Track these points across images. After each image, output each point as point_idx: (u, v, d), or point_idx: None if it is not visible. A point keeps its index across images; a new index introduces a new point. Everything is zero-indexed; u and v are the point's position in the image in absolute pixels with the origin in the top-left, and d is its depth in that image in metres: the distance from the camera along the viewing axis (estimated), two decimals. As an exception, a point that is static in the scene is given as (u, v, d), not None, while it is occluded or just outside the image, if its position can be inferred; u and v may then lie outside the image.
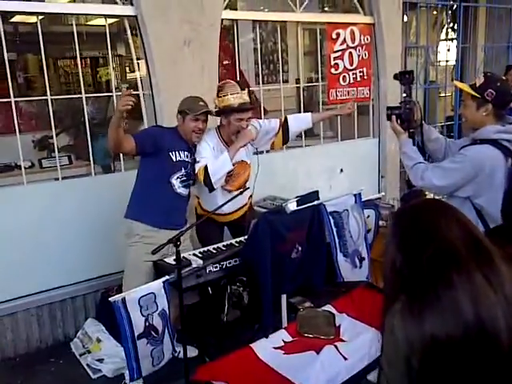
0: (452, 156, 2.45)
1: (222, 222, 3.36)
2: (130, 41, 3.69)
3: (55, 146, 3.65)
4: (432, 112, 6.26)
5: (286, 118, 3.39)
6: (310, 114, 3.55)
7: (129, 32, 3.65)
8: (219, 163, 2.98)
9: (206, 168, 2.96)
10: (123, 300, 2.37)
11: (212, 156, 3.04)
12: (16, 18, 5.64)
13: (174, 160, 2.96)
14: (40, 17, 5.92)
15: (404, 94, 2.60)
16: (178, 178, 2.98)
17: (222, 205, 2.94)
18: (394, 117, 2.58)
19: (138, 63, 3.86)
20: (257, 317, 2.92)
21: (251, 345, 2.62)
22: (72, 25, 3.40)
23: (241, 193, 3.02)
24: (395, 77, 2.67)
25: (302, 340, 2.69)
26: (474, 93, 2.32)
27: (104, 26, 3.52)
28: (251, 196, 3.46)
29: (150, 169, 2.98)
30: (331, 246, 3.12)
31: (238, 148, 3.04)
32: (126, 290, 2.57)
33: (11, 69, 5.87)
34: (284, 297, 3.06)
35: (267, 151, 4.41)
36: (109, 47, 3.56)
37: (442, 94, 6.52)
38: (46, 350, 3.49)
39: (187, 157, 3.04)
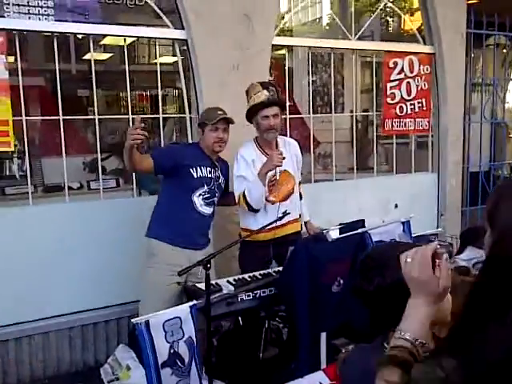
0: None
1: (268, 242, 2.99)
2: (182, 75, 3.79)
3: (99, 169, 3.69)
4: (498, 151, 5.87)
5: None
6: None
7: (181, 68, 3.76)
8: (252, 191, 2.87)
9: (244, 195, 2.87)
10: (147, 323, 2.23)
11: (249, 172, 2.92)
12: (88, 56, 5.94)
13: (195, 176, 2.84)
14: (109, 55, 6.26)
15: None
16: (200, 195, 2.85)
17: (267, 225, 2.71)
18: None
19: (187, 90, 3.88)
20: (294, 355, 2.70)
21: (286, 384, 2.39)
22: (124, 64, 3.51)
23: (279, 218, 2.80)
24: None
25: (342, 385, 2.42)
26: None
27: (168, 64, 3.62)
28: (300, 216, 3.22)
29: (170, 187, 2.88)
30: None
31: (264, 173, 2.86)
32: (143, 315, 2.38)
33: (83, 105, 6.20)
34: (324, 335, 2.79)
35: (315, 181, 4.26)
36: (159, 81, 3.65)
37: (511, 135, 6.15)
38: (76, 374, 3.39)
39: (210, 173, 2.90)
